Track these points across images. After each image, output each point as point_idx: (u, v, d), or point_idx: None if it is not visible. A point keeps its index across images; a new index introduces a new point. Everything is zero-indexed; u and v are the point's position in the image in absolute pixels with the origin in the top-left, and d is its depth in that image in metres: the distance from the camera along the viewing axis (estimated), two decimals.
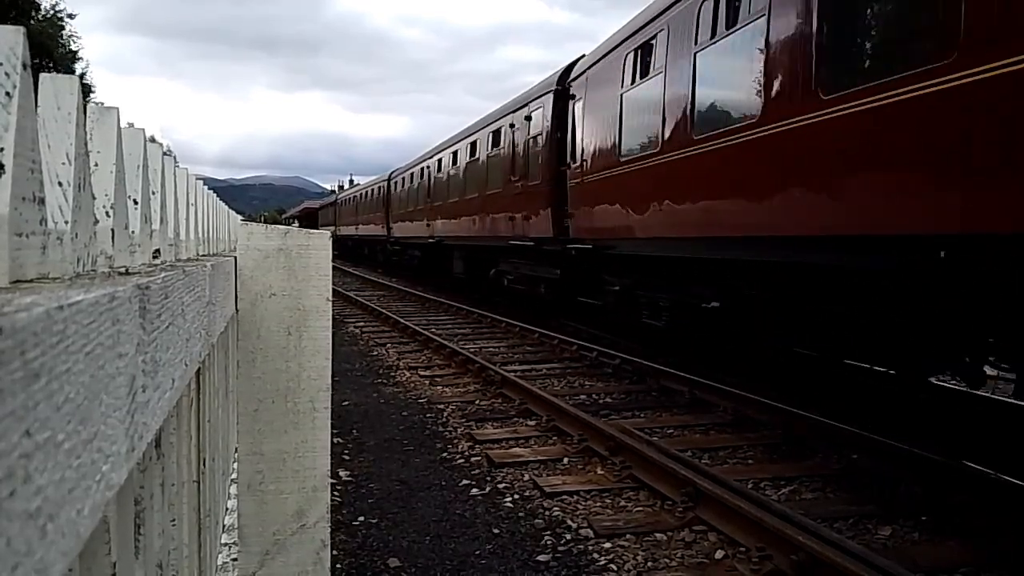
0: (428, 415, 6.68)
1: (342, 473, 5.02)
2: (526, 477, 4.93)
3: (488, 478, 4.94)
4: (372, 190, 33.20)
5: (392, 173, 28.47)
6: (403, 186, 25.62)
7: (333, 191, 75.30)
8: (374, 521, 4.23)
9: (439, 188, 19.91)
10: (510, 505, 4.46)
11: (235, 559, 1.84)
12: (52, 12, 26.26)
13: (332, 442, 2.00)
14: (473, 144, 16.85)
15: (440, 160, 20.18)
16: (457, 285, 19.04)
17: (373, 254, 34.65)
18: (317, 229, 1.88)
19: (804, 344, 6.57)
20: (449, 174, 18.91)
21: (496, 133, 15.10)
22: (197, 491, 1.47)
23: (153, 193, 1.26)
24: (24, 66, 0.58)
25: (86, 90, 26.31)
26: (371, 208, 32.61)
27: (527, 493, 4.64)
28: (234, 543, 1.85)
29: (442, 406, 6.97)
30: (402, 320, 12.92)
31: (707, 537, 3.93)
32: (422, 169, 22.65)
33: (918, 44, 4.52)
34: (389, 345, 10.88)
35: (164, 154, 1.39)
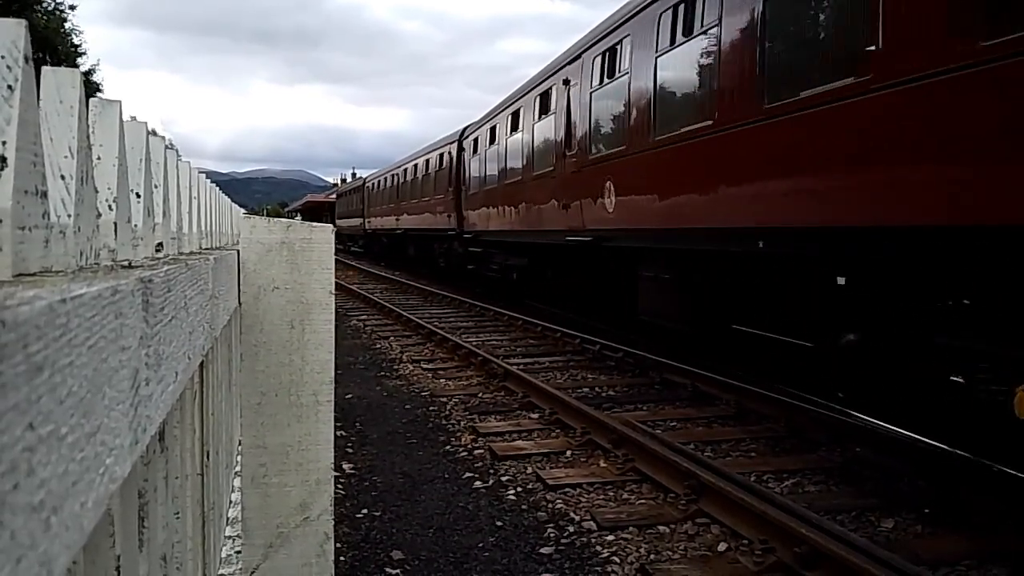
0: (431, 408, 6.70)
1: (345, 466, 5.03)
2: (529, 470, 4.94)
3: (491, 471, 4.95)
4: (427, 162, 21.52)
5: (466, 130, 17.70)
6: (492, 145, 14.62)
7: (335, 184, 75.27)
8: (377, 514, 4.24)
9: (607, 119, 8.97)
10: (513, 498, 4.47)
11: (239, 552, 1.84)
12: (54, 6, 26.17)
13: (335, 435, 2.00)
14: None
15: (606, 57, 8.85)
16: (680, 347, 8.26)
17: (427, 257, 22.73)
18: (329, 224, 1.86)
19: None
20: (647, 86, 7.68)
21: None
22: (201, 484, 1.48)
23: (156, 186, 1.26)
24: (26, 59, 0.58)
25: (94, 88, 26.18)
26: (426, 190, 21.27)
27: (530, 486, 4.65)
28: (238, 536, 1.86)
29: (445, 399, 6.98)
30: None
31: (710, 530, 3.93)
32: (541, 96, 11.40)
33: None
34: (392, 337, 10.91)
35: (166, 147, 1.39)
